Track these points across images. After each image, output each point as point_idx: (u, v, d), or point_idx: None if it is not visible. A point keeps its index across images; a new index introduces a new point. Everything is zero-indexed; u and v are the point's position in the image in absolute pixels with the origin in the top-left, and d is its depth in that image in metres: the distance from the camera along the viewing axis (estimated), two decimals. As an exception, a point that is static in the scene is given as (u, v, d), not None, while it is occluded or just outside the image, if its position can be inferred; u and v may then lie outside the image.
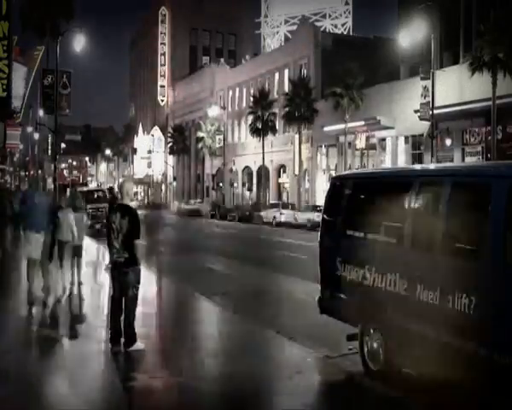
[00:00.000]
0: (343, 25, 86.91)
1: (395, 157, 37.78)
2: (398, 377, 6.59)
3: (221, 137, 56.98)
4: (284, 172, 52.88)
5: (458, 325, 5.59)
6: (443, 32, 34.02)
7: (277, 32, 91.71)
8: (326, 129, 41.68)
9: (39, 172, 59.01)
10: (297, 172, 47.06)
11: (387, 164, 38.88)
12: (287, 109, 44.13)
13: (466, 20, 33.58)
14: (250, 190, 58.12)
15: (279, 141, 50.56)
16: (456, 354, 5.63)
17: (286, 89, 47.77)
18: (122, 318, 7.50)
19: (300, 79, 45.47)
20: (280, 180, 53.82)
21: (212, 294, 11.91)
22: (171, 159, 75.55)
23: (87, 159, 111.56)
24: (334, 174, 44.66)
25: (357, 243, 7.39)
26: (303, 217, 39.59)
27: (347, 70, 37.68)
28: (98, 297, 11.89)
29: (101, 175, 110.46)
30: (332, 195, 8.75)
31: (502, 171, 6.02)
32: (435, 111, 30.60)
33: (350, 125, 38.35)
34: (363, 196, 8.10)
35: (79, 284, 12.14)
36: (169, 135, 73.22)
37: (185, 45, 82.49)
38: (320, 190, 46.53)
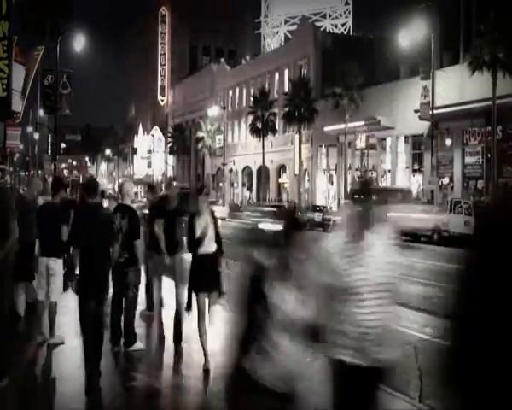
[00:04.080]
0: (343, 25, 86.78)
1: (395, 157, 37.82)
2: None
3: (221, 137, 56.98)
4: (284, 172, 52.89)
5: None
6: (443, 32, 34.06)
7: (277, 32, 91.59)
8: (326, 129, 41.69)
9: (39, 172, 59.05)
10: (297, 172, 47.08)
11: (387, 164, 38.95)
12: (287, 109, 44.13)
13: (466, 20, 33.62)
14: (250, 190, 58.15)
15: (279, 141, 50.57)
16: None
17: (286, 89, 47.77)
18: (122, 318, 7.50)
19: (300, 79, 45.47)
20: (280, 180, 53.84)
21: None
22: (171, 159, 75.58)
23: (87, 159, 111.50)
24: (334, 174, 44.82)
25: None
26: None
27: (347, 70, 37.67)
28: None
29: (101, 175, 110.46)
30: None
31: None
32: (435, 111, 30.63)
33: (350, 125, 38.35)
34: None
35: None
36: (169, 135, 73.25)
37: (185, 45, 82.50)
38: (320, 190, 46.59)
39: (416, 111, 31.79)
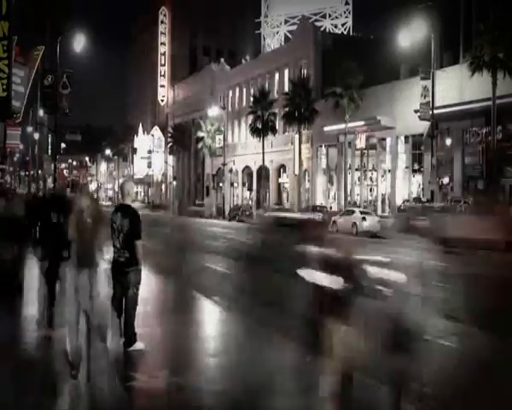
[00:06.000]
0: (343, 25, 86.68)
1: (395, 157, 37.81)
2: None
3: (221, 137, 56.97)
4: (284, 172, 52.87)
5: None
6: (443, 32, 34.05)
7: (277, 32, 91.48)
8: (326, 129, 41.68)
9: (39, 172, 59.01)
10: (297, 172, 47.06)
11: (387, 164, 38.94)
12: (287, 109, 44.12)
13: (466, 20, 33.63)
14: (250, 190, 58.13)
15: (279, 141, 50.55)
16: None
17: (286, 89, 47.76)
18: (122, 318, 7.50)
19: (300, 79, 45.45)
20: (280, 180, 53.82)
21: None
22: (171, 159, 75.57)
23: (87, 159, 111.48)
24: (334, 174, 44.81)
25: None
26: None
27: (347, 70, 37.67)
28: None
29: (101, 175, 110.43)
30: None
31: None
32: (435, 111, 30.63)
33: (350, 125, 38.35)
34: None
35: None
36: (169, 135, 73.22)
37: (185, 45, 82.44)
38: (320, 190, 46.57)
39: (416, 111, 31.78)
